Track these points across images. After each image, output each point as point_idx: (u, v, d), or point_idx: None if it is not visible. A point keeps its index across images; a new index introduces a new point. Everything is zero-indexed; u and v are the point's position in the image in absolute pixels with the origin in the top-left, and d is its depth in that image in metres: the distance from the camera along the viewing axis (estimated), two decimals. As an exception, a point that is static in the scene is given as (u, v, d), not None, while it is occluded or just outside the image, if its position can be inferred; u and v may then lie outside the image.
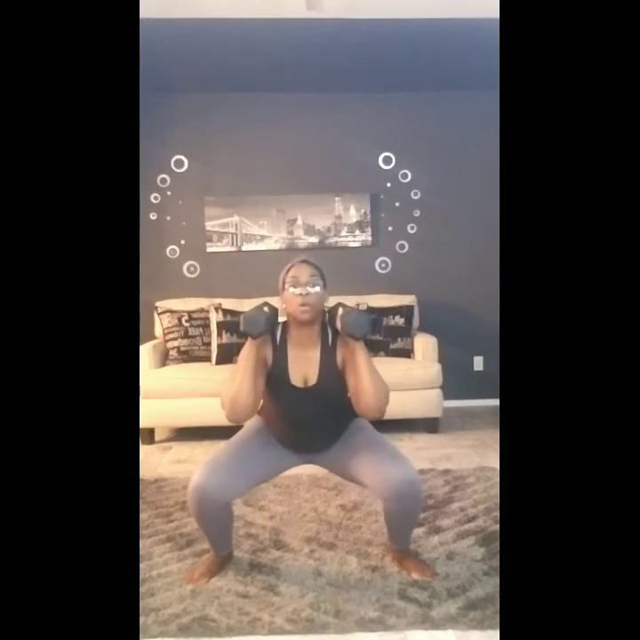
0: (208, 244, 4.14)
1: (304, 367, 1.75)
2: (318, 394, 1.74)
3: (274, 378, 1.75)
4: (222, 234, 4.14)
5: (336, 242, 4.17)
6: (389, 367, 3.47)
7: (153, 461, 3.15)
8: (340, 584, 1.81)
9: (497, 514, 2.29)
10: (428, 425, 3.57)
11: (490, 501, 2.43)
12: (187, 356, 3.70)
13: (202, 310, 3.81)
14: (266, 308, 1.68)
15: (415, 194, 4.19)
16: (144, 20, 2.62)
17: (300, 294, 1.68)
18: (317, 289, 1.70)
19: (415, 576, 1.82)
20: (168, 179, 4.10)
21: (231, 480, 1.69)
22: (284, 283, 1.73)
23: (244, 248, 4.15)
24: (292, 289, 1.69)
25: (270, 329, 1.69)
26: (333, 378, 1.74)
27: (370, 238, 4.17)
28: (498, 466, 2.87)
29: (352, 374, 1.69)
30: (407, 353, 3.76)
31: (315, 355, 1.75)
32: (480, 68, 3.64)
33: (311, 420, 1.78)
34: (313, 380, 1.74)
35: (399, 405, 3.40)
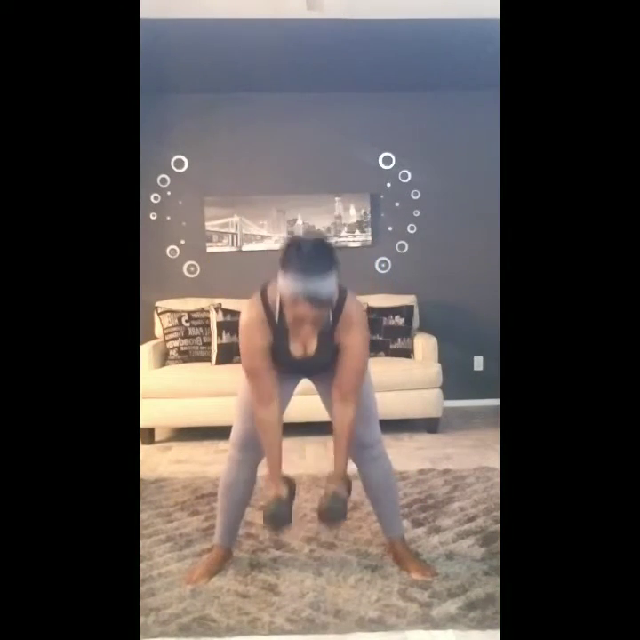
0: (208, 244, 4.14)
1: (303, 342, 1.72)
2: (315, 362, 1.77)
3: (273, 350, 1.72)
4: (222, 234, 4.14)
5: (336, 242, 4.17)
6: (389, 367, 3.47)
7: (153, 461, 3.15)
8: (339, 584, 1.81)
9: (497, 514, 2.29)
10: (428, 425, 3.57)
11: (490, 501, 2.43)
12: (187, 356, 3.70)
13: (202, 310, 3.81)
14: (283, 499, 1.71)
15: (415, 194, 4.19)
16: (144, 20, 2.61)
17: (307, 335, 1.68)
18: (322, 323, 1.63)
19: (415, 576, 1.82)
20: (168, 179, 4.10)
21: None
22: (284, 292, 1.56)
23: (244, 248, 4.15)
24: (296, 324, 1.62)
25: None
26: (331, 350, 1.74)
27: (370, 238, 4.17)
28: (498, 466, 2.87)
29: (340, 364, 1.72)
30: (407, 353, 3.76)
31: (309, 329, 1.68)
32: (480, 67, 3.64)
33: (309, 371, 1.85)
34: (311, 351, 1.73)
35: (399, 405, 3.40)
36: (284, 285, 1.52)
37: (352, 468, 1.85)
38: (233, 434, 1.86)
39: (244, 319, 1.71)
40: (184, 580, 1.82)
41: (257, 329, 1.69)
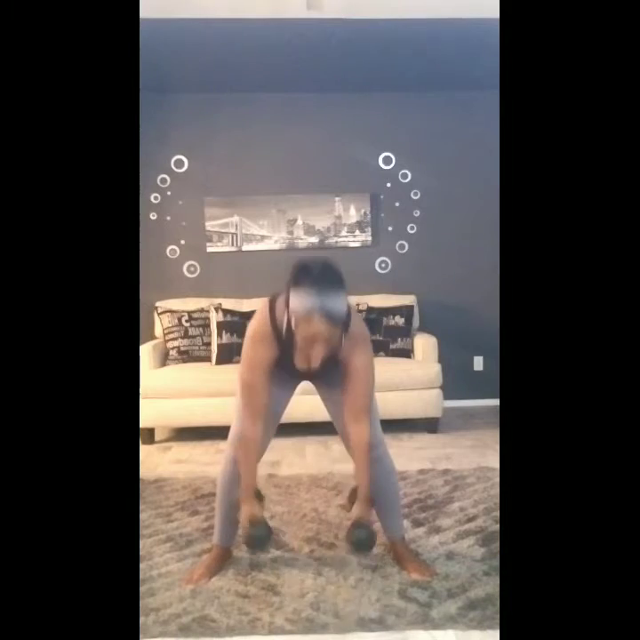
0: (208, 244, 4.14)
1: (308, 356, 1.72)
2: (319, 373, 1.78)
3: (278, 364, 1.74)
4: (222, 234, 4.14)
5: (336, 242, 4.17)
6: (389, 367, 3.47)
7: (153, 461, 3.15)
8: (339, 584, 1.81)
9: (497, 514, 2.29)
10: (428, 425, 3.57)
11: (490, 501, 2.43)
12: (187, 356, 3.70)
13: (202, 310, 3.81)
14: (259, 517, 1.74)
15: (415, 194, 4.19)
16: (144, 19, 2.61)
17: (317, 354, 1.62)
18: (335, 341, 1.61)
19: (415, 576, 1.82)
20: (168, 179, 4.10)
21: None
22: (293, 311, 1.56)
23: (244, 248, 4.15)
24: (305, 343, 1.61)
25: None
26: (335, 366, 1.75)
27: (370, 238, 4.17)
28: (498, 466, 2.87)
29: (348, 383, 1.74)
30: (407, 353, 3.76)
31: (320, 347, 1.66)
32: (480, 67, 3.64)
33: (310, 377, 1.85)
34: (316, 364, 1.72)
35: (399, 405, 3.41)
36: (298, 302, 1.52)
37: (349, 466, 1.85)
38: (231, 433, 1.86)
39: (250, 330, 1.73)
40: (183, 581, 1.82)
41: (262, 341, 1.69)
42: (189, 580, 1.82)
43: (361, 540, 1.75)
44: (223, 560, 1.91)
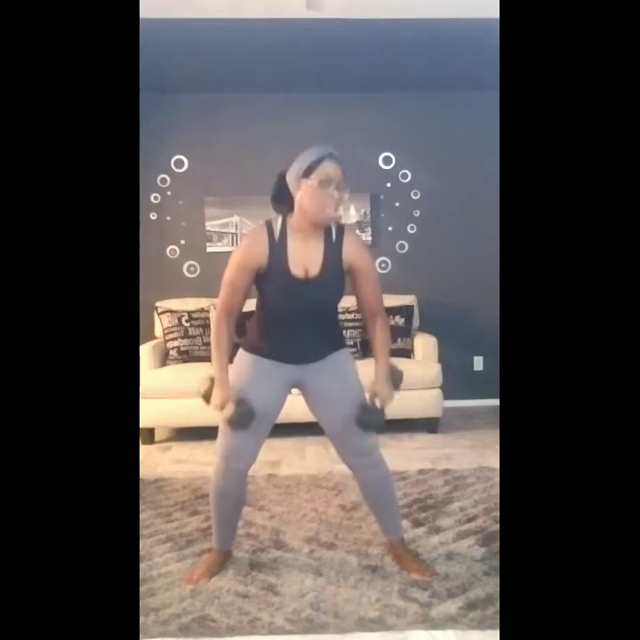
0: (208, 243, 4.14)
1: (305, 259, 1.69)
2: (319, 287, 1.70)
3: (271, 271, 1.68)
4: (222, 234, 4.14)
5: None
6: (389, 367, 3.47)
7: (153, 461, 3.16)
8: (339, 584, 1.81)
9: (497, 514, 2.29)
10: (428, 425, 3.57)
11: (490, 501, 2.43)
12: (187, 356, 3.70)
13: (202, 310, 3.81)
14: (244, 404, 1.71)
15: (415, 194, 4.19)
16: (144, 19, 2.61)
17: (332, 197, 1.62)
18: (347, 195, 1.68)
19: (414, 576, 1.82)
20: (168, 179, 4.10)
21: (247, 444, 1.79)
22: (307, 172, 1.62)
23: (244, 248, 4.15)
24: (322, 188, 1.61)
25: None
26: (336, 273, 1.72)
27: (370, 238, 4.17)
28: (498, 466, 2.87)
29: (360, 297, 1.80)
30: (407, 353, 3.76)
31: (318, 248, 1.70)
32: (480, 67, 3.64)
33: (307, 316, 1.74)
34: (314, 271, 1.69)
35: (399, 405, 3.39)
36: (307, 155, 1.64)
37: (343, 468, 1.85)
38: (218, 445, 1.81)
39: (242, 240, 1.75)
40: (183, 581, 1.82)
41: (253, 246, 1.69)
42: (189, 580, 1.82)
43: (367, 423, 1.76)
44: (223, 561, 1.92)
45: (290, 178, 1.67)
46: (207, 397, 1.77)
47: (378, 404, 1.78)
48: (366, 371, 1.89)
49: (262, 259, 1.68)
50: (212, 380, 1.76)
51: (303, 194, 1.63)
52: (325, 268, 1.70)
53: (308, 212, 1.64)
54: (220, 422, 1.77)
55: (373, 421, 1.76)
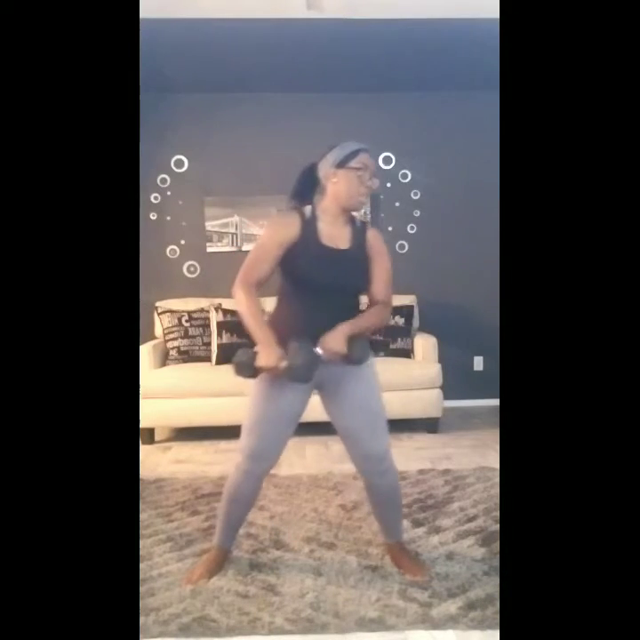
0: (208, 244, 4.14)
1: (335, 236, 1.76)
2: (349, 259, 1.75)
3: (303, 242, 1.70)
4: (222, 234, 4.14)
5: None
6: (389, 367, 3.47)
7: (153, 461, 3.15)
8: (339, 584, 1.81)
9: (497, 514, 2.29)
10: (428, 425, 3.57)
11: (490, 501, 2.43)
12: (187, 356, 3.70)
13: (202, 310, 3.81)
14: (246, 353, 1.65)
15: (415, 194, 4.19)
16: (144, 20, 2.61)
17: (365, 185, 1.75)
18: (377, 185, 1.82)
19: (409, 577, 1.82)
20: (168, 179, 4.10)
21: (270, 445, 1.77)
22: (343, 162, 1.74)
23: (244, 248, 4.15)
24: (358, 174, 1.73)
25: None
26: (362, 251, 1.80)
27: (370, 238, 4.17)
28: (498, 466, 2.87)
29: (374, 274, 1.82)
30: (407, 353, 3.76)
31: (345, 228, 1.80)
32: (480, 67, 3.64)
33: (335, 288, 1.72)
34: (344, 245, 1.77)
35: (399, 405, 3.40)
36: (345, 147, 1.80)
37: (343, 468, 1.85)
38: (243, 445, 1.78)
39: (271, 219, 1.81)
40: (183, 581, 1.82)
41: (284, 221, 1.73)
42: (189, 579, 1.82)
43: (358, 358, 1.69)
44: (222, 561, 1.91)
45: (324, 167, 1.77)
46: (245, 367, 1.64)
47: (318, 349, 1.63)
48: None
49: (294, 231, 1.71)
50: (243, 351, 1.67)
51: (339, 180, 1.74)
52: (353, 244, 1.78)
53: (342, 197, 1.74)
54: (248, 418, 1.76)
55: (362, 352, 1.69)
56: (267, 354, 1.61)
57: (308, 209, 1.77)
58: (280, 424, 1.75)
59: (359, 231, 1.83)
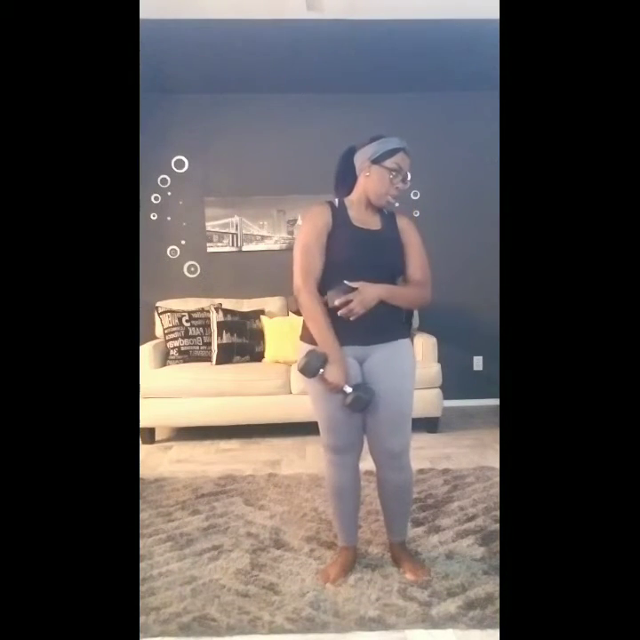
0: (208, 244, 4.14)
1: (366, 220, 1.80)
2: (381, 239, 1.78)
3: (337, 225, 1.75)
4: (222, 234, 4.14)
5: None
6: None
7: (153, 461, 3.16)
8: (339, 583, 1.81)
9: (496, 513, 2.29)
10: (428, 425, 3.57)
11: (489, 501, 2.43)
12: (187, 356, 3.70)
13: (202, 310, 3.81)
14: (318, 358, 1.66)
15: (415, 194, 4.19)
16: (144, 20, 2.62)
17: (396, 187, 1.78)
18: (408, 187, 1.84)
19: (408, 577, 1.82)
20: (168, 179, 4.10)
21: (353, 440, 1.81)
22: (380, 158, 1.76)
23: (244, 248, 4.15)
24: (391, 175, 1.76)
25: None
26: (394, 233, 1.83)
27: (370, 238, 4.17)
28: (498, 465, 2.87)
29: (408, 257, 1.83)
30: (407, 353, 3.76)
31: (375, 217, 1.83)
32: (480, 68, 3.65)
33: (371, 268, 1.72)
34: (376, 227, 1.80)
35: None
36: (385, 143, 1.83)
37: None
38: (325, 441, 1.84)
39: (306, 214, 1.81)
40: (321, 579, 1.82)
41: (318, 211, 1.76)
42: (326, 579, 1.82)
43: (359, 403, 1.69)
44: (353, 558, 1.92)
45: (360, 157, 1.80)
46: (312, 370, 1.67)
47: (351, 292, 1.66)
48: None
49: (327, 219, 1.75)
50: (316, 355, 1.67)
51: (371, 176, 1.77)
52: (384, 227, 1.82)
53: (371, 193, 1.77)
54: (318, 417, 1.80)
55: (358, 401, 1.69)
56: (336, 372, 1.66)
57: (335, 201, 1.81)
58: (348, 414, 1.75)
59: (388, 217, 1.87)
